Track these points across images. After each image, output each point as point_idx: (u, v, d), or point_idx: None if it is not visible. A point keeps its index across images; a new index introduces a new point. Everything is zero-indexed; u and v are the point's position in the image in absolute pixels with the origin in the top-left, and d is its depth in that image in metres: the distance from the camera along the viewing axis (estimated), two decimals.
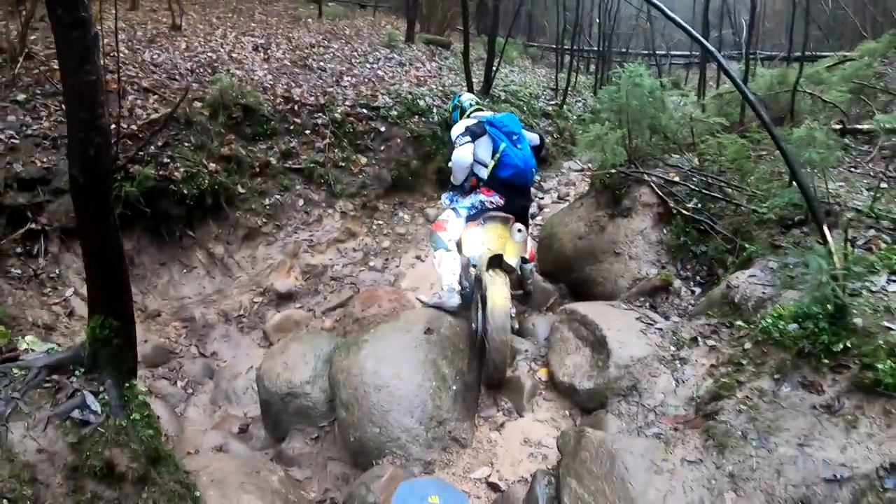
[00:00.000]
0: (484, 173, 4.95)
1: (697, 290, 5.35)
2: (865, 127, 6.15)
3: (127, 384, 3.01)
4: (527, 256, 5.00)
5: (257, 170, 7.32)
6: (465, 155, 4.88)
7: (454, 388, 4.23)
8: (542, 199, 9.10)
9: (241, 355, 6.36)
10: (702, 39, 4.25)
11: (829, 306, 3.44)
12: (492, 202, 4.86)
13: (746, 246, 4.92)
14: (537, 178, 6.16)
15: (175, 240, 6.77)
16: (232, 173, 7.08)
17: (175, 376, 5.99)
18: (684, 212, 5.64)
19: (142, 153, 6.40)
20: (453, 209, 5.09)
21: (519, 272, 4.93)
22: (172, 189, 6.49)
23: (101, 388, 2.81)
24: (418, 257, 7.74)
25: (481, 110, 5.35)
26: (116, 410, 2.79)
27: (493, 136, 4.88)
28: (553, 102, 11.44)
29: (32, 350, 3.04)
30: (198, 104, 7.33)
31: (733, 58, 13.28)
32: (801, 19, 10.18)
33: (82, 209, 2.85)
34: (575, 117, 11.07)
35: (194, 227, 6.88)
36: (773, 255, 4.63)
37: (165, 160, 6.60)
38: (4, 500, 2.16)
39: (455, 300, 4.83)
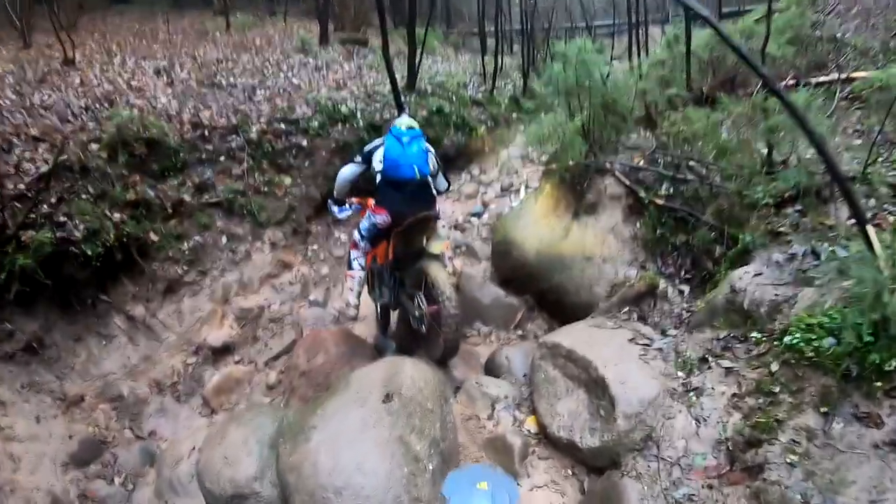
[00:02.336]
0: (378, 177, 4.74)
1: (685, 288, 4.59)
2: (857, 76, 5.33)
3: None
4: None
5: (170, 211, 6.22)
6: (344, 173, 4.97)
7: (431, 466, 3.31)
8: (486, 193, 8.24)
9: (181, 429, 5.35)
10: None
11: (874, 315, 2.67)
12: (383, 220, 4.67)
13: (738, 236, 4.14)
14: (443, 192, 5.27)
15: (87, 308, 5.67)
16: (141, 220, 5.99)
17: (110, 472, 4.96)
18: (657, 201, 4.84)
19: (33, 215, 5.27)
20: (358, 228, 5.02)
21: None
22: (74, 251, 5.37)
23: None
24: None
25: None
26: None
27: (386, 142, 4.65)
28: (482, 89, 10.45)
29: None
30: (94, 146, 6.16)
31: (656, 21, 12.57)
32: None
33: None
34: (506, 101, 10.11)
35: (107, 289, 5.78)
36: (774, 245, 3.86)
37: (62, 219, 5.46)
38: None
39: (352, 312, 5.01)
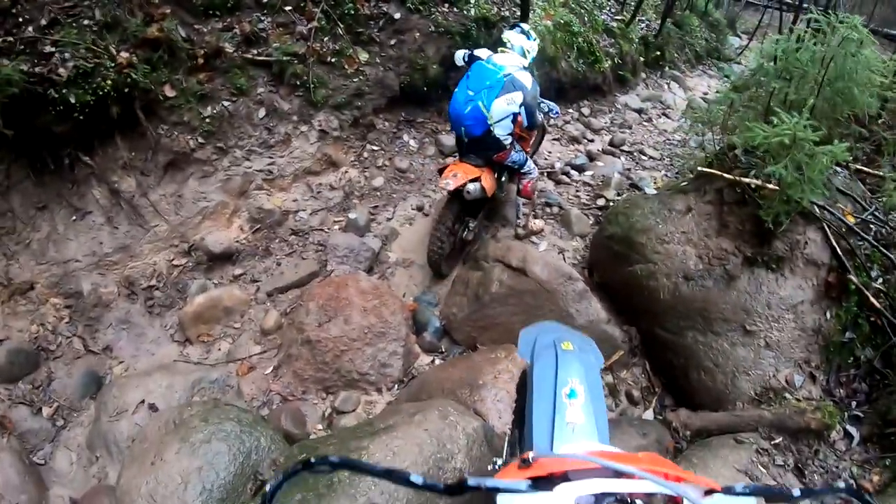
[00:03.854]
0: None
1: (855, 431, 2.95)
2: None
3: None
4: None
5: (200, 61, 4.30)
6: (456, 54, 4.38)
7: None
8: (592, 142, 6.10)
9: (143, 353, 3.99)
10: None
11: None
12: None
13: None
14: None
15: (62, 170, 3.97)
16: (159, 67, 4.12)
17: (41, 398, 3.63)
18: (869, 294, 3.08)
19: (10, 38, 3.59)
20: None
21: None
22: (53, 95, 3.60)
23: None
24: (420, 208, 4.97)
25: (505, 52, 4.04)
26: None
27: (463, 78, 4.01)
28: (618, 18, 7.68)
29: None
30: None
31: None
32: None
33: None
34: (637, 40, 7.51)
35: (93, 150, 4.04)
36: None
37: (48, 48, 3.67)
38: None
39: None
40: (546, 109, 4.36)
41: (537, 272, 3.79)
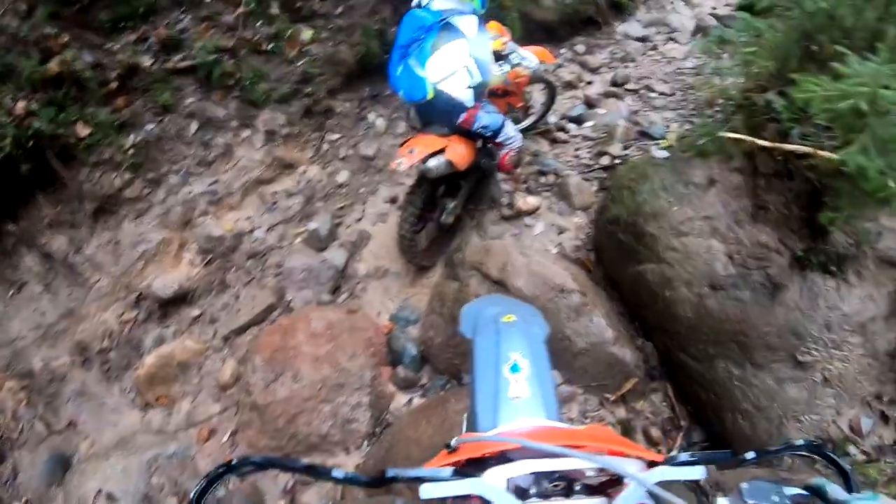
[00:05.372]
0: None
1: None
2: None
3: None
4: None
5: (114, 85, 3.46)
6: None
7: None
8: (591, 84, 4.70)
9: (105, 423, 3.39)
10: None
11: None
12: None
13: None
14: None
15: None
16: (67, 105, 3.34)
17: (10, 493, 3.16)
18: None
19: None
20: None
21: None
22: None
23: None
24: (394, 200, 4.01)
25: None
26: None
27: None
28: None
29: None
30: None
31: None
32: None
33: None
34: None
35: (16, 215, 3.40)
36: None
37: None
38: None
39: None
40: (516, 62, 3.23)
41: (520, 286, 2.83)
